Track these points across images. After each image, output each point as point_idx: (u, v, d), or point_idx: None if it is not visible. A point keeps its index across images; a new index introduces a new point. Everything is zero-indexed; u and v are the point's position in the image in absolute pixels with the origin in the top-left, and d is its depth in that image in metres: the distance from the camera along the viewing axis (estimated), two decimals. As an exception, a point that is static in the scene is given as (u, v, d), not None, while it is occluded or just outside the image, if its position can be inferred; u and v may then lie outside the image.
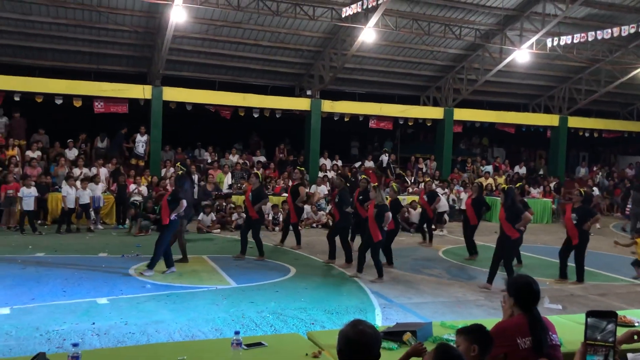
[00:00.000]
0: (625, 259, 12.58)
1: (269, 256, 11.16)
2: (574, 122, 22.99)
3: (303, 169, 14.34)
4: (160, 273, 9.17)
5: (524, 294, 3.64)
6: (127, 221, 14.34)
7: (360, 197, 11.12)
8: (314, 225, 15.72)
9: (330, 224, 13.96)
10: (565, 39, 15.92)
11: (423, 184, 15.97)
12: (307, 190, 17.23)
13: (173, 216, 9.25)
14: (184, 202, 9.32)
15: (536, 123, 22.85)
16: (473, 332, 3.30)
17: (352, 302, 7.90)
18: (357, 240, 10.73)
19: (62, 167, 15.27)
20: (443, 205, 15.74)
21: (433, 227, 14.17)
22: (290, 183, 17.68)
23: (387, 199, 10.27)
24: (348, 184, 12.66)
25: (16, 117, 16.76)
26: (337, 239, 10.77)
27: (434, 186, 15.17)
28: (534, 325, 3.54)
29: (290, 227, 12.62)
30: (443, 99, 21.19)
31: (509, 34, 17.74)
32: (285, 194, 14.93)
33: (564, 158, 23.22)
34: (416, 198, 17.50)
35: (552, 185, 20.75)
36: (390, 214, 9.57)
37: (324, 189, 17.24)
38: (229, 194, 16.24)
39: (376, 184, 10.27)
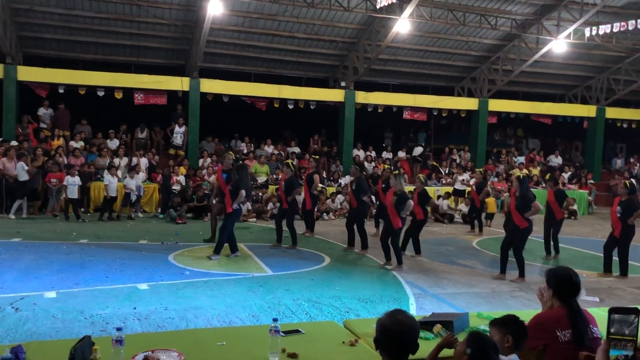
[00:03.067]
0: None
1: (303, 245, 11.21)
2: (612, 112, 22.33)
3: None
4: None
5: (564, 286, 3.56)
6: (172, 210, 14.45)
7: (384, 185, 11.15)
8: (347, 214, 15.68)
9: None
10: (604, 28, 15.44)
11: (475, 174, 15.75)
12: (346, 180, 17.21)
13: (235, 205, 9.61)
14: (243, 192, 9.65)
15: (572, 114, 22.28)
16: (507, 323, 3.25)
17: (387, 291, 7.85)
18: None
19: (104, 157, 15.58)
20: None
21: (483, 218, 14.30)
22: (325, 174, 17.70)
23: (411, 189, 10.21)
24: (364, 173, 12.74)
25: (61, 108, 17.17)
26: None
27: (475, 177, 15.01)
28: (574, 318, 3.45)
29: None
30: (478, 90, 20.83)
31: (546, 23, 17.29)
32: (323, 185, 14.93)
33: (601, 149, 22.60)
34: (450, 189, 17.36)
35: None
36: (411, 202, 9.50)
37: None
38: (264, 184, 16.34)
39: (397, 172, 10.18)
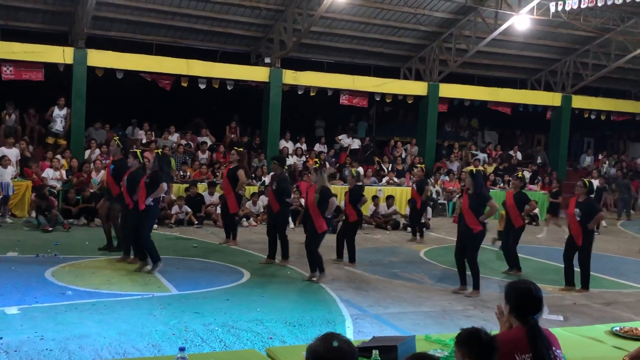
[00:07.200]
0: (633, 261, 13.00)
1: (218, 258, 11.15)
2: (579, 101, 23.46)
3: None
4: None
5: (523, 302, 3.69)
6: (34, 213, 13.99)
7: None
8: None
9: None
10: (571, 4, 16.17)
11: (414, 171, 16.14)
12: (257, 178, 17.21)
13: (149, 200, 9.54)
14: (164, 186, 9.68)
15: (535, 102, 23.23)
16: (466, 343, 3.31)
17: (318, 312, 7.94)
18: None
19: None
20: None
21: (423, 221, 14.81)
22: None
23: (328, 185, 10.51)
24: (288, 168, 12.98)
25: None
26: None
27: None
28: (533, 339, 3.59)
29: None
30: (427, 72, 21.34)
31: (506, -5, 17.96)
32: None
33: (567, 144, 23.68)
34: (395, 190, 17.80)
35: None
36: (335, 200, 9.83)
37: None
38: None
39: (318, 164, 10.48)
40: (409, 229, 15.04)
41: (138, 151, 10.75)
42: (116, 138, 11.24)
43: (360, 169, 17.02)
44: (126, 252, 10.46)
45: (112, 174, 10.67)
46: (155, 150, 10.53)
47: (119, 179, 10.32)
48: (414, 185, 14.41)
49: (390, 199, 16.68)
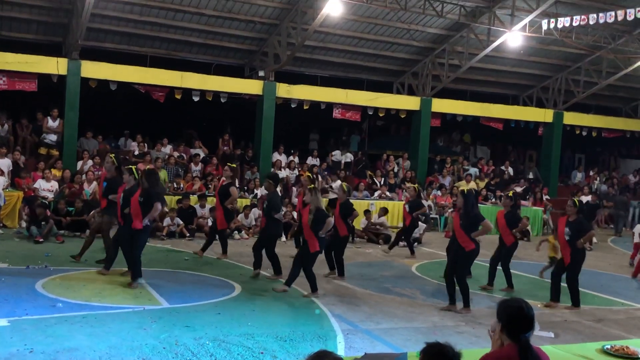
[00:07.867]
0: (623, 278, 13.05)
1: (208, 271, 11.11)
2: (570, 118, 23.63)
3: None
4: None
5: (514, 320, 3.70)
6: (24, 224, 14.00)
7: (304, 198, 11.39)
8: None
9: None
10: (563, 21, 16.29)
11: (407, 189, 16.09)
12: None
13: (146, 221, 9.51)
14: (159, 206, 9.63)
15: (527, 118, 23.38)
16: (432, 356, 3.32)
17: (309, 327, 7.92)
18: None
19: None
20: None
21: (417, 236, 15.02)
22: (237, 182, 17.62)
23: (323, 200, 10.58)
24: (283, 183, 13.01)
25: None
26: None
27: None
28: (525, 358, 3.60)
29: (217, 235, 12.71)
30: (420, 87, 21.45)
31: (499, 12, 18.08)
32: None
33: (558, 160, 23.82)
34: (387, 204, 17.80)
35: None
36: (331, 220, 9.87)
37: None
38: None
39: (313, 185, 10.50)
40: (401, 243, 15.01)
41: (134, 167, 10.70)
42: (112, 155, 11.16)
43: (339, 182, 17.03)
44: (107, 265, 10.30)
45: (104, 192, 10.64)
46: (143, 169, 10.38)
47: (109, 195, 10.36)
48: (406, 206, 14.24)
49: (380, 210, 16.69)
